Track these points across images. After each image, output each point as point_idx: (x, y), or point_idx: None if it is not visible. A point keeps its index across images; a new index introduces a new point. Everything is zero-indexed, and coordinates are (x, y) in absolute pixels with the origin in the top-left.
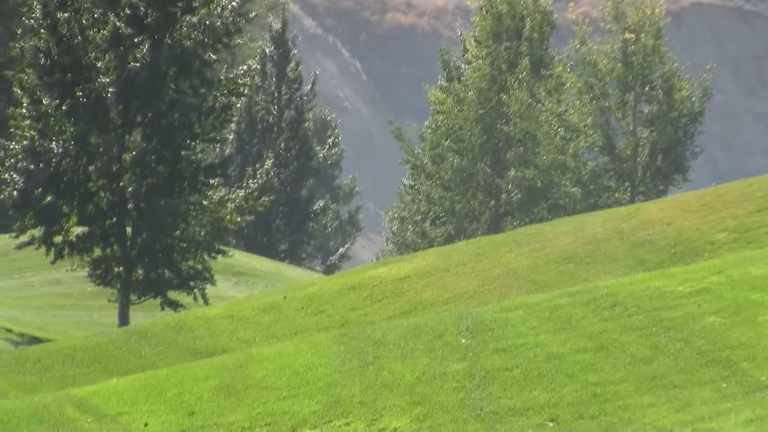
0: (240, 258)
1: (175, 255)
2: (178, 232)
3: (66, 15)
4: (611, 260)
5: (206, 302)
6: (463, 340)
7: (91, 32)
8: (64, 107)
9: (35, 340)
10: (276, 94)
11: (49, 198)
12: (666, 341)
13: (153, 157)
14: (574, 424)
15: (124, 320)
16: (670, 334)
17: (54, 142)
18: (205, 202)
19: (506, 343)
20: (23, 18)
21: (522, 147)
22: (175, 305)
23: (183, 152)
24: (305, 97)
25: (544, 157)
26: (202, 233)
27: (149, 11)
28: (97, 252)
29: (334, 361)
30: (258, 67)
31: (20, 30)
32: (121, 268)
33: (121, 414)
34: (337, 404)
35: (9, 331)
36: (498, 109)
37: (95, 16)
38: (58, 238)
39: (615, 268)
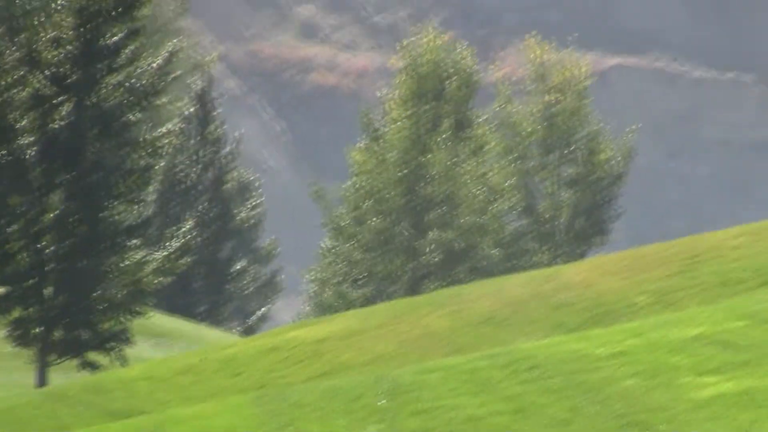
0: (159, 319)
1: (94, 316)
2: (97, 293)
3: None
4: (530, 322)
5: (124, 363)
6: (382, 403)
7: (12, 92)
8: None
9: None
10: (197, 155)
11: None
12: (584, 404)
13: (74, 218)
14: None
15: (42, 381)
16: (589, 396)
17: None
18: (124, 264)
19: (424, 405)
20: None
21: (443, 208)
22: (93, 366)
23: (103, 213)
24: (226, 158)
25: (465, 219)
26: (121, 295)
27: (71, 71)
28: (16, 313)
29: (251, 423)
30: (180, 127)
31: None
32: (40, 329)
33: None
34: None
35: None
36: (419, 170)
37: (15, 77)
38: None
39: (534, 331)
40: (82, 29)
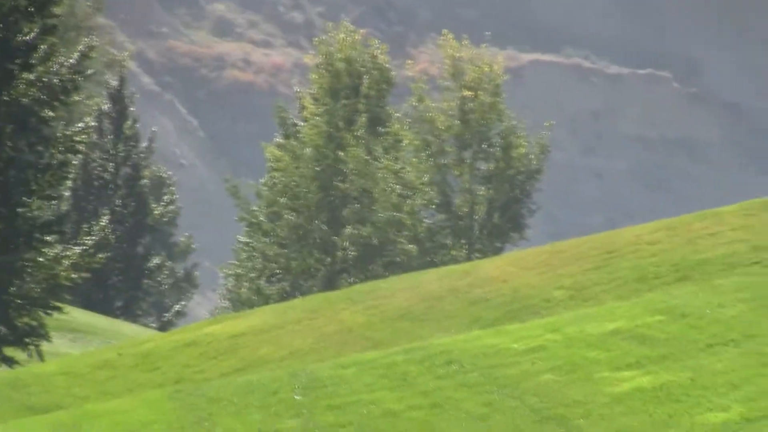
0: (76, 315)
1: (11, 312)
2: (13, 289)
3: None
4: (447, 318)
5: (41, 359)
6: (298, 397)
7: None
8: None
9: None
10: (113, 152)
11: None
12: (501, 399)
13: None
14: None
15: None
16: (505, 391)
17: None
18: (40, 259)
19: (341, 400)
20: None
21: (358, 204)
22: (10, 362)
23: (20, 209)
24: (142, 155)
25: (381, 215)
26: (38, 290)
27: None
28: None
29: (168, 418)
30: (95, 124)
31: None
32: None
33: None
34: None
35: None
36: (335, 166)
37: None
38: None
39: (450, 326)
40: None
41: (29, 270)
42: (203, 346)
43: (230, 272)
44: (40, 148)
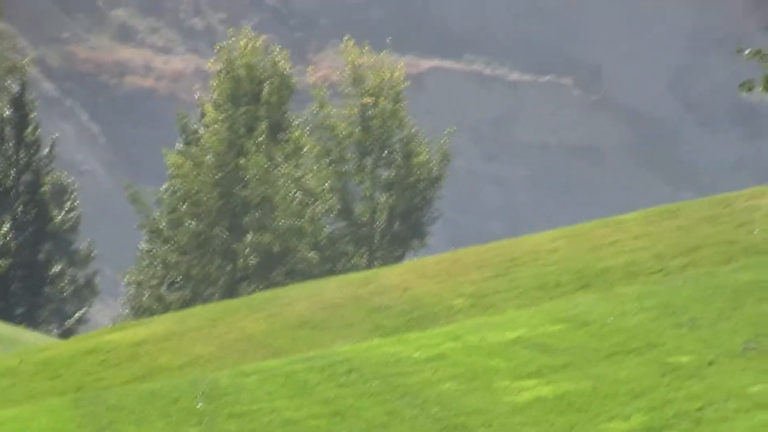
0: None
1: None
2: None
3: None
4: (348, 326)
5: None
6: (199, 405)
7: None
8: None
9: None
10: (14, 158)
11: None
12: (402, 407)
13: None
14: None
15: None
16: (406, 400)
17: None
18: None
19: (242, 408)
20: None
21: (259, 211)
22: None
23: None
24: (43, 161)
25: (282, 222)
26: None
27: None
28: None
29: (70, 426)
30: None
31: None
32: None
33: None
34: None
35: None
36: (236, 173)
37: None
38: None
39: (351, 334)
40: None
41: None
42: (104, 354)
43: (131, 279)
44: None
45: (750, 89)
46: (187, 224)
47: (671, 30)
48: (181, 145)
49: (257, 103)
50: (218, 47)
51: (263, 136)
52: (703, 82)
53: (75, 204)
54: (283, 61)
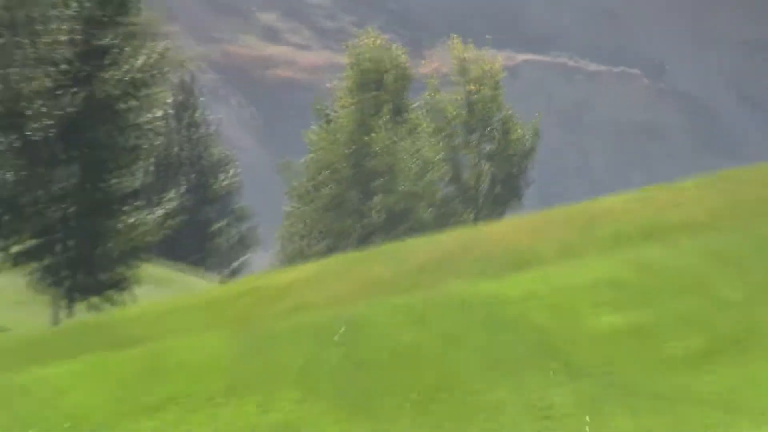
0: (158, 270)
1: (107, 264)
2: (109, 245)
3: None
4: (458, 270)
5: (130, 303)
6: (341, 331)
7: (34, 83)
8: (15, 145)
9: None
10: (186, 135)
11: (7, 217)
12: (503, 334)
13: (87, 185)
14: None
15: (56, 321)
16: (507, 328)
17: (8, 174)
18: (120, 226)
19: (374, 335)
20: None
21: (385, 178)
22: (96, 308)
23: (108, 183)
24: (210, 138)
25: (403, 186)
26: (117, 252)
27: (80, 68)
28: (46, 261)
29: (230, 352)
30: (171, 112)
31: None
32: (64, 273)
33: None
34: (232, 387)
35: None
36: (364, 147)
37: (32, 72)
38: (16, 248)
39: (461, 276)
40: (88, 33)
41: (119, 231)
42: (258, 294)
43: (280, 235)
44: (123, 134)
45: None
46: (326, 189)
47: (728, 31)
48: (318, 125)
49: (381, 90)
50: (349, 44)
51: (387, 116)
52: (755, 77)
53: (235, 173)
54: (402, 56)
